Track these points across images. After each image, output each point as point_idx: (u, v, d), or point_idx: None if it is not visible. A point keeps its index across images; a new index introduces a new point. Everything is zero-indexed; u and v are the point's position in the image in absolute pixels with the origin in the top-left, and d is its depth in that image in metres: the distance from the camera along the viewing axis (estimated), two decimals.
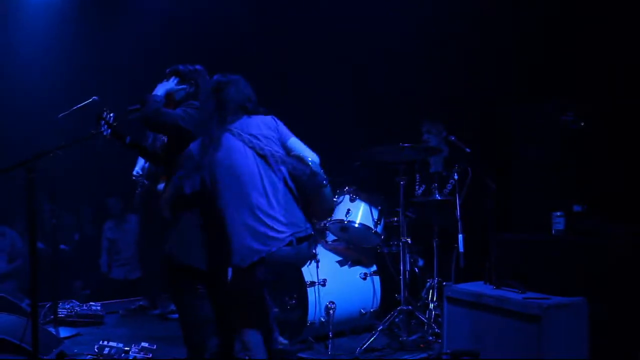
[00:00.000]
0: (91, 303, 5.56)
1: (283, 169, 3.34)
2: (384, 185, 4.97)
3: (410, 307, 4.52)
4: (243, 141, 3.34)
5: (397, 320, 4.52)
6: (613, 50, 4.67)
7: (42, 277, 3.51)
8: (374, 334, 4.39)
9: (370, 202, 4.80)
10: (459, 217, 4.50)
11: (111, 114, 3.55)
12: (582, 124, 4.42)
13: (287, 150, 3.40)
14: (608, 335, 3.54)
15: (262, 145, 3.34)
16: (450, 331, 3.81)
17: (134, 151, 3.89)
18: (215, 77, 3.50)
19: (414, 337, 4.50)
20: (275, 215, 3.22)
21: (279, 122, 3.47)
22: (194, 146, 3.37)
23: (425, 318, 4.58)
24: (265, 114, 3.47)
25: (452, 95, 5.68)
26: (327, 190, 3.47)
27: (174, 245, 3.36)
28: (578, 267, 3.78)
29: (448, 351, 3.69)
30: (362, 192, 4.85)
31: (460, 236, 4.45)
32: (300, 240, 3.23)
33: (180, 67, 3.58)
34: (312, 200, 3.45)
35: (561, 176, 4.70)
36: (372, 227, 4.74)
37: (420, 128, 5.34)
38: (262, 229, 3.18)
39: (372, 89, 6.43)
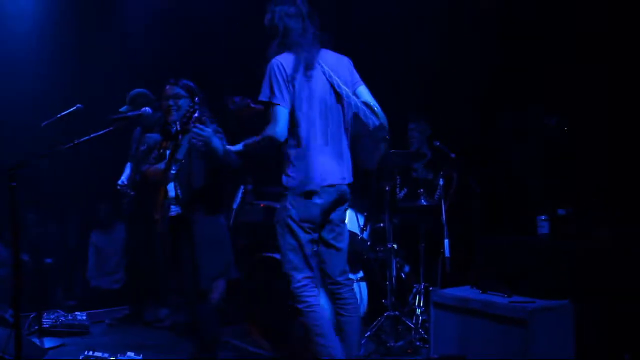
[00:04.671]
0: (77, 313, 5.48)
1: (348, 113, 3.29)
2: (368, 191, 4.96)
3: (397, 312, 4.51)
4: (324, 73, 3.22)
5: (384, 326, 4.51)
6: (600, 54, 4.72)
7: (27, 288, 3.48)
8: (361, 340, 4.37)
9: (356, 208, 4.79)
10: (444, 222, 4.51)
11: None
12: (566, 129, 4.46)
13: (356, 96, 3.32)
14: (594, 337, 3.57)
15: (341, 84, 3.23)
16: (437, 336, 3.82)
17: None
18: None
19: (401, 342, 4.48)
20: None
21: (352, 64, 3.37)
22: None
23: (412, 323, 4.58)
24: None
25: (437, 100, 5.70)
26: (385, 145, 3.45)
27: None
28: (563, 270, 3.80)
29: (435, 356, 3.70)
30: None
31: (446, 241, 4.45)
32: None
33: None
34: (366, 151, 3.43)
35: (545, 180, 4.73)
36: (358, 234, 4.73)
37: (406, 126, 5.35)
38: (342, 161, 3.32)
39: None
